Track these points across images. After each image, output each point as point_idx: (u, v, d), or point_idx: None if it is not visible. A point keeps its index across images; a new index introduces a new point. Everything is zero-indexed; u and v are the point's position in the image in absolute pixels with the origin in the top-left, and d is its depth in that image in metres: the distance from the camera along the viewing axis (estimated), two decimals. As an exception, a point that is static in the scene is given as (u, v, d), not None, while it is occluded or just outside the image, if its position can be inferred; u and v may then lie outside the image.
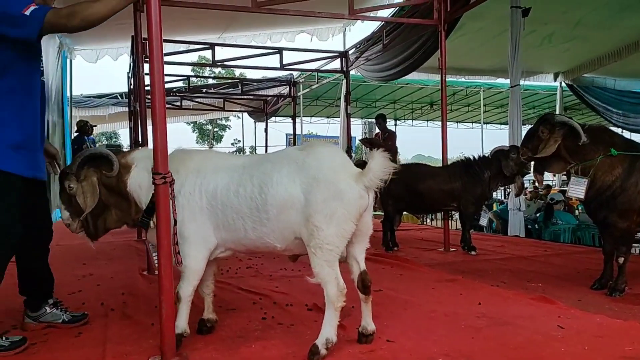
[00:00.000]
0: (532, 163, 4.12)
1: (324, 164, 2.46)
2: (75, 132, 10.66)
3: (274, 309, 3.23)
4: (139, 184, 2.58)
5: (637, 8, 9.25)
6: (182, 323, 2.56)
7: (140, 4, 4.51)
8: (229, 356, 2.44)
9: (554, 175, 16.24)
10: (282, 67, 8.23)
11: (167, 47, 9.36)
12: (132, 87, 8.12)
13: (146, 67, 4.69)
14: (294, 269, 4.35)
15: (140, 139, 5.24)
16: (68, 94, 11.82)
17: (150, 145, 2.47)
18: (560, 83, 14.88)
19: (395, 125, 21.73)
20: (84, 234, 2.71)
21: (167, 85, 11.59)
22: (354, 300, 2.62)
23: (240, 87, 12.62)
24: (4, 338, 2.51)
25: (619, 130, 17.66)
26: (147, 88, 5.33)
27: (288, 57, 8.29)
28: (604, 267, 3.77)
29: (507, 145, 5.61)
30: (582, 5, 9.62)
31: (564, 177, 18.74)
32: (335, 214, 2.37)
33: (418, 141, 35.28)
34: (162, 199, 2.29)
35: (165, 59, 9.46)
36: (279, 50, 8.03)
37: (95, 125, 11.51)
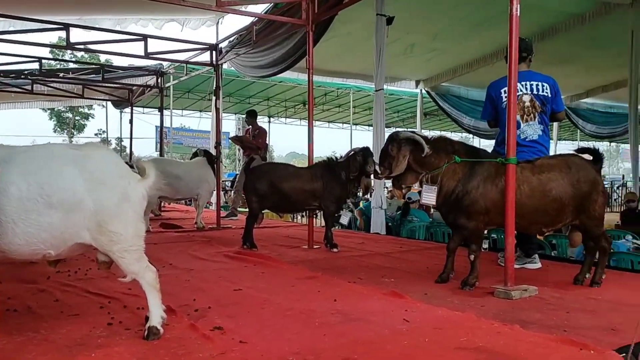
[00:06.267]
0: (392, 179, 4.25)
1: (108, 168, 2.52)
2: None
3: (123, 313, 3.01)
4: None
5: (488, 25, 10.21)
6: None
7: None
8: (63, 367, 2.21)
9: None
10: (147, 55, 7.76)
11: (16, 25, 8.39)
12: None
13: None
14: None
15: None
16: None
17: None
18: (421, 90, 15.94)
19: (269, 122, 21.84)
20: None
21: (15, 67, 10.45)
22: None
23: (101, 74, 11.72)
24: None
25: (470, 136, 19.49)
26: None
27: (155, 45, 7.85)
28: (445, 262, 4.06)
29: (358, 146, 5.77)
30: (440, 19, 10.42)
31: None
32: (128, 215, 2.50)
33: (292, 139, 35.75)
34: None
35: (13, 37, 8.42)
36: (144, 37, 7.55)
37: None
